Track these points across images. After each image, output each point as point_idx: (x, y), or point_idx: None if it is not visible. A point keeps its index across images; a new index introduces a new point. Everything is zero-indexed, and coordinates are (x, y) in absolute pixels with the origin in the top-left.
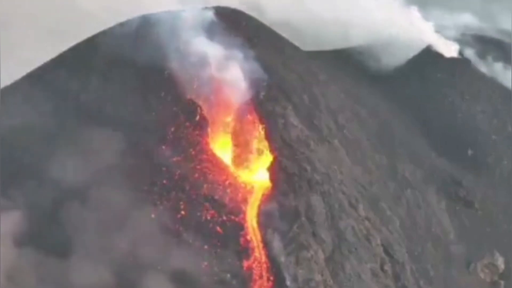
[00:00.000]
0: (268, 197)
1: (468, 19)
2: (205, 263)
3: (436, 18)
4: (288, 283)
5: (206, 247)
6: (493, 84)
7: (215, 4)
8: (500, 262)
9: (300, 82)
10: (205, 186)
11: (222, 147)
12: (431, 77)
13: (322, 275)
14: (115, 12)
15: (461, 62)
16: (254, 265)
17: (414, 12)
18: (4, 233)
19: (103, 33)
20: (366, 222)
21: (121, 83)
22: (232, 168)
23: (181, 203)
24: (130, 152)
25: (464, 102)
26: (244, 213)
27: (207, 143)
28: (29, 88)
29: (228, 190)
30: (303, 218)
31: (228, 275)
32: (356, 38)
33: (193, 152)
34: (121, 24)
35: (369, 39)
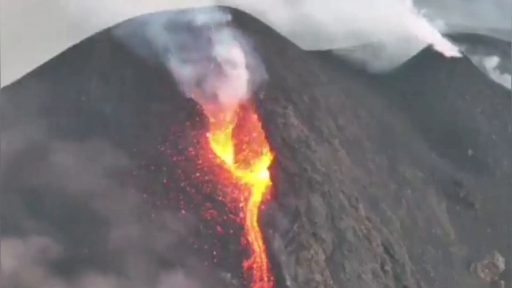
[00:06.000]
0: (268, 197)
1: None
2: (206, 263)
3: (436, 18)
4: (288, 283)
5: (206, 247)
6: (493, 84)
7: (216, 4)
8: (501, 262)
9: (300, 82)
10: (205, 185)
11: (222, 147)
12: (431, 77)
13: (322, 275)
14: (116, 11)
15: (461, 62)
16: (254, 265)
17: (414, 12)
18: None
19: (104, 33)
20: (367, 222)
21: (121, 83)
22: (232, 168)
23: (182, 202)
24: (130, 152)
25: (464, 102)
26: (245, 213)
27: (207, 143)
28: (30, 87)
29: (229, 190)
30: (304, 218)
31: (229, 275)
32: (356, 38)
33: (193, 152)
34: (122, 24)
35: (369, 39)
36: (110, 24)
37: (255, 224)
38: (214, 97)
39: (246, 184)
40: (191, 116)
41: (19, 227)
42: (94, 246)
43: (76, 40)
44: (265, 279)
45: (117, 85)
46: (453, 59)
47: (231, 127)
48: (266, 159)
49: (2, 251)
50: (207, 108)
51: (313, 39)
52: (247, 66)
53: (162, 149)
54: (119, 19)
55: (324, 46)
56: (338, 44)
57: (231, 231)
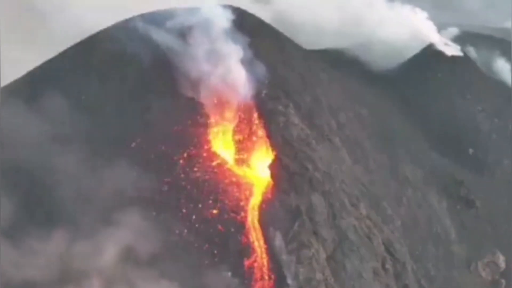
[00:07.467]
0: (269, 196)
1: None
2: (206, 261)
3: (437, 17)
4: (289, 281)
5: (207, 245)
6: (494, 83)
7: (216, 2)
8: (501, 261)
9: (301, 81)
10: (206, 184)
11: (223, 146)
12: (431, 76)
13: (323, 274)
14: (117, 10)
15: (462, 60)
16: (255, 264)
17: (415, 11)
18: None
19: (104, 32)
20: (367, 221)
21: (122, 82)
22: (233, 167)
23: (183, 201)
24: (131, 151)
25: (465, 101)
26: (246, 211)
27: (208, 142)
28: (29, 87)
29: (230, 189)
30: (305, 217)
31: (229, 274)
32: (357, 36)
33: (194, 151)
34: (122, 23)
35: (370, 38)
36: (111, 22)
37: (256, 223)
38: (215, 96)
39: (247, 183)
40: (192, 115)
41: None
42: None
43: (77, 39)
44: (266, 277)
45: (118, 84)
46: (453, 58)
47: (232, 126)
48: (267, 157)
49: None
50: (208, 107)
51: (314, 38)
52: (248, 65)
53: (163, 148)
54: (120, 17)
55: (325, 45)
56: (339, 44)
57: (232, 230)
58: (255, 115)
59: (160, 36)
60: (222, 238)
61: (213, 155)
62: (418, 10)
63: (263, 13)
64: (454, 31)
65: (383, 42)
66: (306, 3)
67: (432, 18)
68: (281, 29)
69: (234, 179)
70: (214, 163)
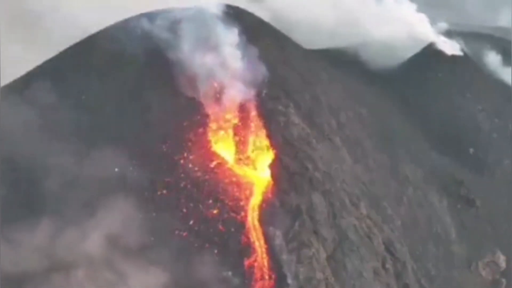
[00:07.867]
0: (269, 196)
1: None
2: (206, 261)
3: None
4: (289, 281)
5: (207, 245)
6: (494, 82)
7: (216, 1)
8: (502, 261)
9: (301, 80)
10: (206, 184)
11: (223, 145)
12: (432, 76)
13: (323, 273)
14: (116, 10)
15: (462, 60)
16: (255, 264)
17: (415, 10)
18: None
19: (104, 32)
20: (368, 221)
21: (122, 82)
22: (233, 167)
23: (183, 201)
24: (131, 151)
25: (465, 101)
26: (246, 211)
27: (208, 141)
28: (29, 86)
29: (230, 189)
30: (305, 216)
31: (230, 273)
32: (354, 35)
33: (194, 151)
34: (121, 23)
35: (368, 37)
36: (111, 22)
37: (256, 222)
38: (215, 96)
39: (247, 182)
40: (192, 114)
41: None
42: None
43: (77, 39)
44: (266, 277)
45: (118, 84)
46: (454, 57)
47: (232, 125)
48: (267, 157)
49: None
50: (208, 107)
51: (314, 37)
52: (248, 65)
53: (163, 148)
54: (120, 17)
55: (325, 45)
56: (339, 43)
57: (232, 230)
58: (255, 114)
59: (160, 36)
60: (222, 238)
61: (213, 155)
62: (405, 0)
63: (260, 12)
64: (443, 26)
65: (382, 41)
66: (302, 2)
67: (434, 17)
68: (277, 28)
69: (234, 179)
70: (214, 163)
